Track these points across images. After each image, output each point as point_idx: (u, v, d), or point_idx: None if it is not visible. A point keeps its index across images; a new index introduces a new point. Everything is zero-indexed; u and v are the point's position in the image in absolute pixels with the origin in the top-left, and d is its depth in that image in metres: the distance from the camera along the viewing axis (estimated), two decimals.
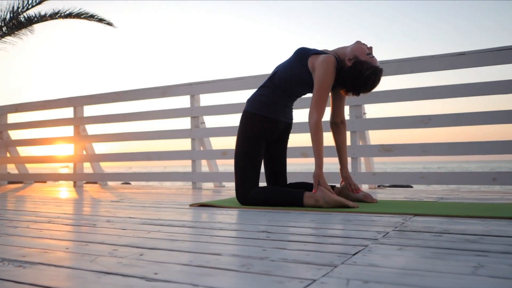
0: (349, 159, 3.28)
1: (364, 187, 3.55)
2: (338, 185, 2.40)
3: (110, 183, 6.69)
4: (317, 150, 2.07)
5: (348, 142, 3.27)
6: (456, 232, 1.30)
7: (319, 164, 2.06)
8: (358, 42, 2.14)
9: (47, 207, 2.38)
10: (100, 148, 4.90)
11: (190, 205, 2.31)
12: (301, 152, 3.39)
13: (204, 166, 4.16)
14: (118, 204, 2.46)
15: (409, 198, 2.49)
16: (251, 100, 2.29)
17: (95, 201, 2.72)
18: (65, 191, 3.88)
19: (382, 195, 2.79)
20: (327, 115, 2.26)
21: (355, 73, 2.06)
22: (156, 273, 0.88)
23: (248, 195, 2.18)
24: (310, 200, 2.03)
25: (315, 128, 2.07)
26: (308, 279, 0.81)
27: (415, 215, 1.74)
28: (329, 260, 0.96)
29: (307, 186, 2.31)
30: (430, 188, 4.59)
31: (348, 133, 3.28)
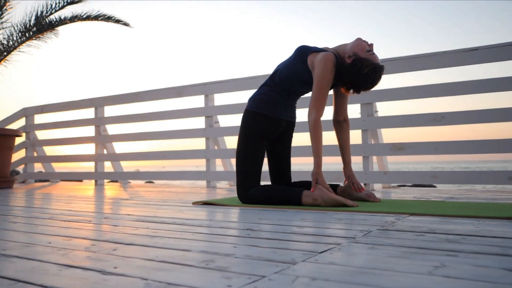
0: (360, 158, 3.24)
1: (377, 186, 3.50)
2: (341, 184, 2.37)
3: (133, 181, 6.84)
4: (316, 149, 2.06)
5: (359, 141, 3.23)
6: (441, 232, 1.27)
7: (317, 163, 2.05)
8: (358, 39, 2.10)
9: (57, 204, 2.46)
10: (121, 147, 5.00)
11: (193, 203, 2.33)
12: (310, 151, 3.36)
13: (219, 165, 4.19)
14: (125, 202, 2.51)
15: (417, 198, 2.44)
16: (252, 99, 2.29)
17: (105, 199, 2.79)
18: (83, 189, 3.99)
19: (393, 194, 2.74)
20: (328, 114, 2.24)
21: (354, 70, 2.03)
22: (115, 267, 0.90)
23: (248, 193, 2.18)
24: (309, 199, 2.02)
25: (313, 127, 2.06)
26: (258, 276, 0.81)
27: (412, 214, 1.71)
28: (292, 258, 0.96)
29: (310, 185, 2.30)
30: (455, 187, 4.46)
31: (359, 132, 3.24)
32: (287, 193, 2.09)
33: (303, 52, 2.16)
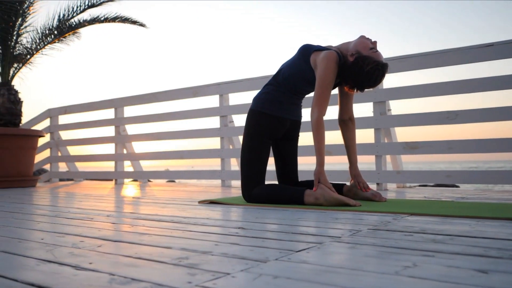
0: (373, 157, 3.20)
1: (392, 186, 3.44)
2: (348, 183, 2.35)
3: (155, 181, 6.95)
4: (318, 148, 2.04)
5: (372, 140, 3.19)
6: (431, 232, 1.24)
7: (320, 162, 2.03)
8: (361, 37, 2.08)
9: (68, 202, 2.54)
10: (140, 147, 5.10)
11: (199, 202, 2.36)
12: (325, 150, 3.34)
13: (234, 165, 4.21)
14: (135, 200, 2.56)
15: (428, 198, 2.39)
16: (256, 99, 2.29)
17: (118, 197, 2.85)
18: (101, 188, 4.09)
19: (403, 194, 2.69)
20: (333, 113, 2.22)
21: (357, 68, 2.01)
22: (91, 263, 0.92)
23: (252, 193, 2.19)
24: (311, 198, 2.01)
25: (316, 126, 2.04)
26: (223, 273, 0.82)
27: (412, 214, 1.68)
28: (266, 256, 0.96)
29: None
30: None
31: (371, 131, 3.19)
32: (290, 192, 2.09)
33: (306, 51, 2.15)
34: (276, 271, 0.83)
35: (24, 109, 5.62)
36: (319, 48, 2.13)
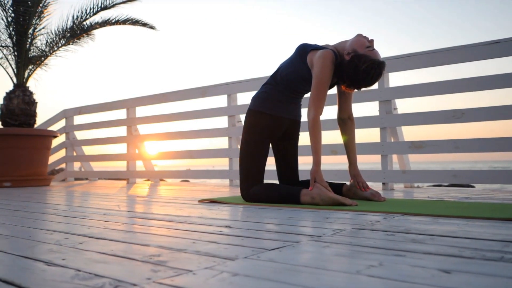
0: (378, 157, 3.17)
1: (399, 186, 3.40)
2: (348, 183, 2.33)
3: (169, 180, 7.00)
4: (315, 147, 2.04)
5: (378, 139, 3.16)
6: (415, 232, 1.22)
7: (316, 161, 2.03)
8: (358, 35, 2.06)
9: (71, 200, 2.59)
10: (152, 147, 5.16)
11: (199, 201, 2.37)
12: (331, 149, 3.32)
13: None
14: (138, 199, 2.60)
15: (431, 198, 2.35)
16: (254, 98, 2.30)
17: (122, 197, 2.90)
18: (111, 187, 4.15)
19: (408, 194, 2.66)
20: (329, 111, 2.21)
21: (352, 67, 2.00)
22: (64, 259, 0.95)
23: (249, 192, 2.19)
24: (307, 198, 2.00)
25: (312, 125, 2.04)
26: (185, 270, 0.82)
27: (405, 214, 1.66)
28: (236, 254, 0.96)
29: None
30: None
31: (377, 130, 3.16)
32: (287, 191, 2.08)
33: (303, 50, 2.14)
34: (239, 269, 0.83)
35: (41, 109, 5.75)
36: (316, 47, 2.12)
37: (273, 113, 2.22)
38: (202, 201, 2.37)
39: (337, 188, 2.29)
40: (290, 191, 2.07)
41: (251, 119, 2.26)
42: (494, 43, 2.66)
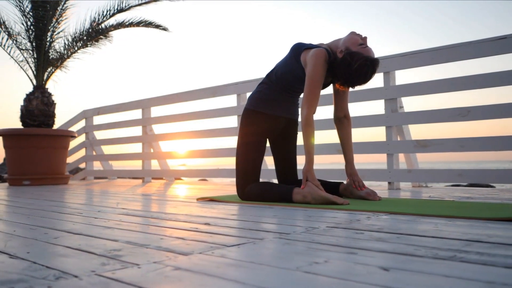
0: (384, 156, 3.13)
1: (403, 185, 3.35)
2: (345, 182, 2.32)
3: (186, 179, 7.09)
4: (307, 146, 2.04)
5: (384, 138, 3.12)
6: (385, 231, 1.22)
7: (308, 160, 2.03)
8: (351, 33, 2.05)
9: (78, 199, 2.67)
10: (167, 146, 5.24)
11: (197, 199, 2.41)
12: (337, 149, 3.30)
13: None
14: (141, 198, 2.66)
15: (432, 197, 2.32)
16: (250, 97, 2.32)
17: (127, 195, 2.96)
18: (124, 186, 4.24)
19: (415, 194, 2.62)
20: (317, 110, 2.19)
21: (345, 65, 1.99)
22: (28, 252, 0.99)
23: (245, 190, 2.21)
24: (299, 196, 2.01)
25: (305, 124, 2.04)
26: (133, 264, 0.85)
27: (392, 213, 1.64)
28: (192, 250, 0.99)
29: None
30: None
31: (383, 128, 3.13)
32: (280, 190, 2.09)
33: (297, 50, 2.14)
34: (184, 263, 0.86)
35: (62, 110, 5.93)
36: (309, 46, 2.12)
37: (269, 112, 2.24)
38: (201, 199, 2.41)
39: (334, 187, 2.29)
40: (283, 190, 2.08)
41: (247, 118, 2.28)
42: (500, 39, 2.59)
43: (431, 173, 2.91)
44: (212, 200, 2.35)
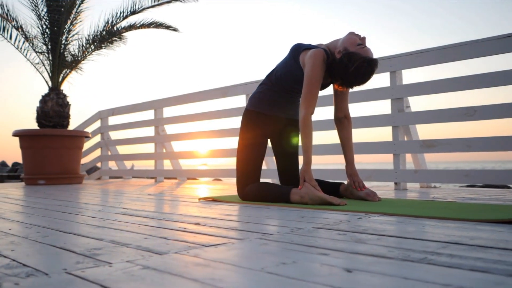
0: (390, 156, 3.11)
1: (411, 186, 3.31)
2: (346, 182, 2.31)
3: (202, 179, 7.13)
4: (305, 146, 2.04)
5: (390, 138, 3.10)
6: (368, 232, 1.22)
7: (306, 161, 2.03)
8: (350, 33, 2.05)
9: (84, 198, 2.73)
10: (180, 146, 5.30)
11: (199, 199, 2.44)
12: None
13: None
14: (146, 197, 2.70)
15: (435, 199, 2.29)
16: (250, 98, 2.33)
17: (134, 194, 3.01)
18: (135, 185, 4.31)
19: (420, 194, 2.59)
20: (318, 110, 2.19)
21: (343, 65, 1.98)
22: (13, 250, 1.03)
23: (244, 191, 2.23)
24: (296, 197, 2.01)
25: (303, 124, 2.04)
26: (106, 262, 0.88)
27: (385, 214, 1.63)
28: (168, 249, 1.01)
29: (320, 183, 2.30)
30: None
31: (389, 128, 3.10)
32: (278, 190, 2.10)
33: (296, 50, 2.15)
34: (154, 262, 0.88)
35: (78, 110, 6.05)
36: (308, 47, 2.12)
37: (269, 112, 2.25)
38: (203, 199, 2.43)
39: (335, 187, 2.28)
40: (282, 190, 2.09)
41: (247, 119, 2.30)
42: (507, 37, 2.53)
43: (437, 173, 2.87)
44: (214, 200, 2.38)
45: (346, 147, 2.28)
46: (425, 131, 3.20)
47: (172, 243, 1.10)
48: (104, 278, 0.76)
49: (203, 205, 2.14)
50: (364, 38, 2.02)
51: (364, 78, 2.00)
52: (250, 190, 2.20)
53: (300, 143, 2.10)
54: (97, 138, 6.11)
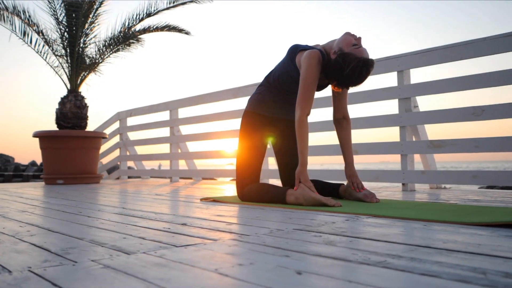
0: (398, 156, 3.06)
1: (420, 187, 3.26)
2: (345, 183, 2.30)
3: (220, 179, 7.18)
4: (300, 147, 2.04)
5: (397, 138, 3.06)
6: (345, 235, 1.21)
7: (302, 162, 2.03)
8: (345, 34, 2.03)
9: (89, 197, 2.80)
10: (194, 146, 5.36)
11: (201, 200, 2.47)
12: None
13: (272, 164, 4.26)
14: (151, 197, 2.75)
15: (439, 200, 2.25)
16: (249, 100, 2.35)
17: (142, 195, 3.07)
18: (148, 185, 4.39)
19: (425, 196, 2.55)
20: (312, 111, 2.18)
21: (338, 66, 1.97)
22: None
23: (243, 191, 2.25)
24: (291, 198, 2.02)
25: (299, 125, 2.04)
26: (72, 261, 0.91)
27: (375, 216, 1.62)
28: (138, 249, 1.03)
29: (320, 184, 2.30)
30: None
31: (396, 128, 3.06)
32: (274, 191, 2.11)
33: (293, 51, 2.15)
34: (117, 262, 0.90)
35: (97, 111, 6.19)
36: (305, 48, 2.12)
37: (268, 114, 2.26)
38: (204, 199, 2.46)
39: (334, 188, 2.27)
40: (278, 191, 2.09)
41: (247, 120, 2.31)
42: None
43: (445, 174, 2.82)
44: (214, 200, 2.40)
45: (345, 148, 2.26)
46: (433, 131, 3.14)
47: (146, 243, 1.12)
48: (60, 277, 0.79)
49: (202, 205, 2.17)
50: (359, 39, 2.00)
51: (359, 78, 1.98)
52: (249, 191, 2.21)
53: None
54: (116, 139, 6.25)
